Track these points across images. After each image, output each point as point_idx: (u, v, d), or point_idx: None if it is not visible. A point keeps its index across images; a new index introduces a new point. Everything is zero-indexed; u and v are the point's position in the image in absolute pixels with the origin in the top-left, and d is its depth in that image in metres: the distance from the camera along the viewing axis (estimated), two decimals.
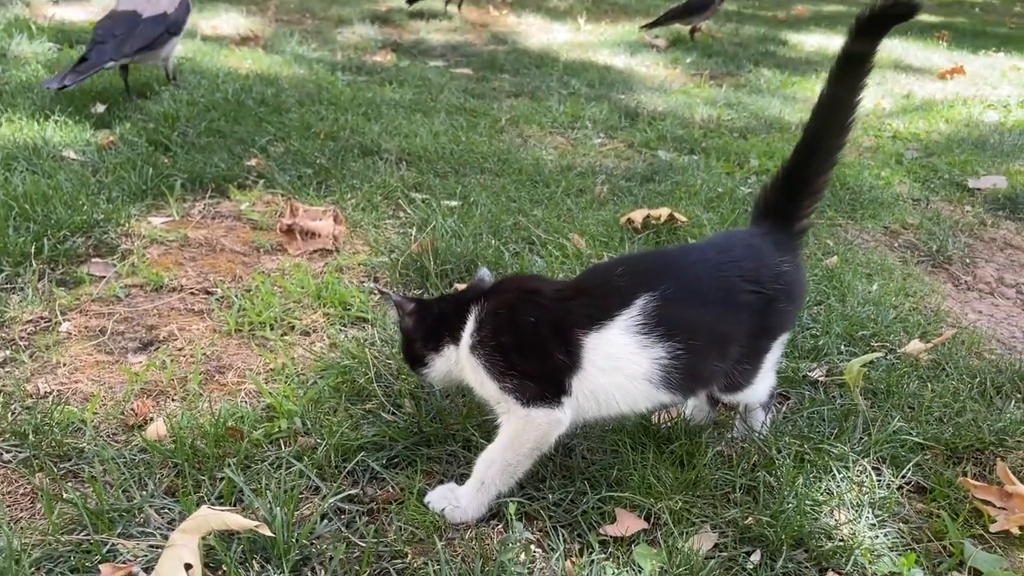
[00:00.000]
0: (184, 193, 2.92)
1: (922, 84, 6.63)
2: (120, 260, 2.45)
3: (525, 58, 6.10)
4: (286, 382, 1.92)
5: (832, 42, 8.02)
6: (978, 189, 3.85)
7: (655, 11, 8.96)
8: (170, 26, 3.76)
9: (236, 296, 2.29)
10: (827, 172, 1.73)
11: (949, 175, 4.00)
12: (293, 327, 2.17)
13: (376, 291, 2.35)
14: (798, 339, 2.22)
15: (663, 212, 2.91)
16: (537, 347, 1.53)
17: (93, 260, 2.44)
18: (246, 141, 3.40)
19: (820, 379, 2.06)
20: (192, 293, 2.32)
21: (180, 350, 2.05)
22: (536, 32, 7.43)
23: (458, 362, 1.62)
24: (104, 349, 2.04)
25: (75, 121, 3.44)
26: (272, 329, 2.16)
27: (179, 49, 4.46)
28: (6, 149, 3.05)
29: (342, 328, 2.19)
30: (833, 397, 1.98)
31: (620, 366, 1.52)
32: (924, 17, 9.82)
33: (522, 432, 1.53)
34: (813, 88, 5.93)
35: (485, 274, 1.77)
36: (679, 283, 1.54)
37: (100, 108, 3.66)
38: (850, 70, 1.67)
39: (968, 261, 3.08)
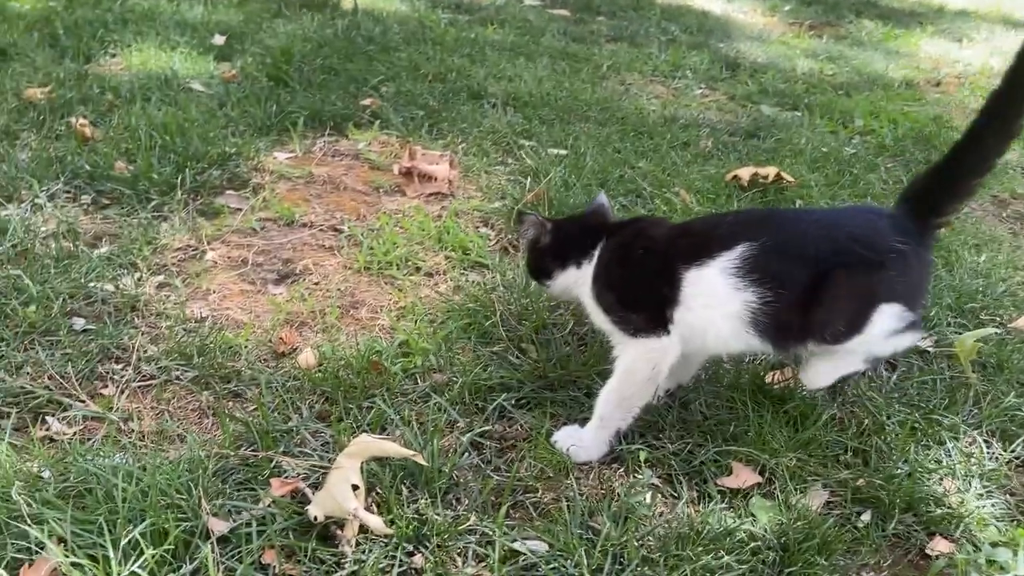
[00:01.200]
0: (305, 130, 3.04)
1: None
2: (253, 194, 2.60)
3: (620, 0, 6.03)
4: (416, 321, 2.05)
5: None
6: None
7: None
8: None
9: (363, 235, 2.42)
10: (982, 174, 1.66)
11: None
12: (418, 268, 2.29)
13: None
14: None
15: (770, 171, 2.94)
16: (645, 281, 1.67)
17: (228, 192, 2.59)
18: (359, 80, 3.50)
19: (929, 349, 2.11)
20: (322, 230, 2.46)
21: (316, 284, 2.20)
22: None
23: (578, 283, 1.77)
24: (247, 279, 2.19)
25: (198, 53, 3.58)
26: (398, 268, 2.28)
27: None
28: (140, 80, 3.21)
29: (463, 272, 2.30)
30: (942, 368, 2.03)
31: (714, 303, 1.62)
32: None
33: (634, 362, 1.66)
34: (917, 43, 5.76)
35: (603, 198, 1.90)
36: (782, 237, 1.63)
37: (219, 39, 3.79)
38: None
39: None
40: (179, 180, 2.50)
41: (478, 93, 3.57)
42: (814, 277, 1.59)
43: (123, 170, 2.53)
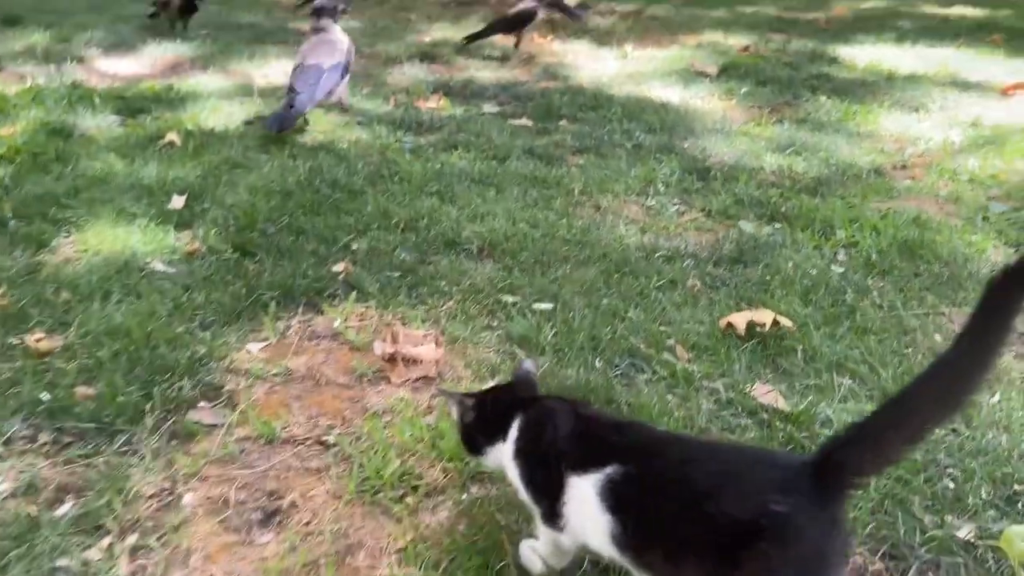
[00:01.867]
0: (278, 310, 2.89)
1: (986, 104, 6.44)
2: (228, 405, 2.42)
3: (580, 98, 6.00)
4: (421, 565, 1.87)
5: (883, 54, 7.82)
6: None
7: (696, 24, 8.82)
8: (343, 70, 4.88)
9: (350, 447, 2.25)
10: (916, 441, 1.45)
11: None
12: (415, 487, 2.13)
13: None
14: (936, 483, 2.13)
15: (766, 317, 2.83)
16: (547, 472, 1.67)
17: (201, 405, 2.41)
18: (328, 239, 3.36)
19: (970, 540, 1.98)
20: (306, 445, 2.28)
21: (306, 524, 2.02)
22: (584, 61, 7.32)
23: (502, 458, 1.80)
24: (230, 526, 2.01)
25: (157, 223, 3.42)
26: (393, 488, 2.11)
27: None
28: (97, 269, 3.03)
29: (465, 486, 2.14)
30: (991, 570, 1.90)
31: (587, 517, 1.58)
32: (967, 10, 9.56)
33: (543, 544, 1.77)
34: (876, 120, 5.79)
35: (529, 366, 1.95)
36: (648, 467, 1.53)
37: (178, 202, 3.64)
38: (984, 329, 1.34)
39: None
40: (148, 403, 2.32)
41: (453, 240, 3.44)
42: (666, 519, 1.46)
43: (85, 397, 2.34)
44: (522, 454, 1.74)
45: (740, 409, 2.43)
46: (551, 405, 1.79)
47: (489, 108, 5.84)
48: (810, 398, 2.45)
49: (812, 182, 4.49)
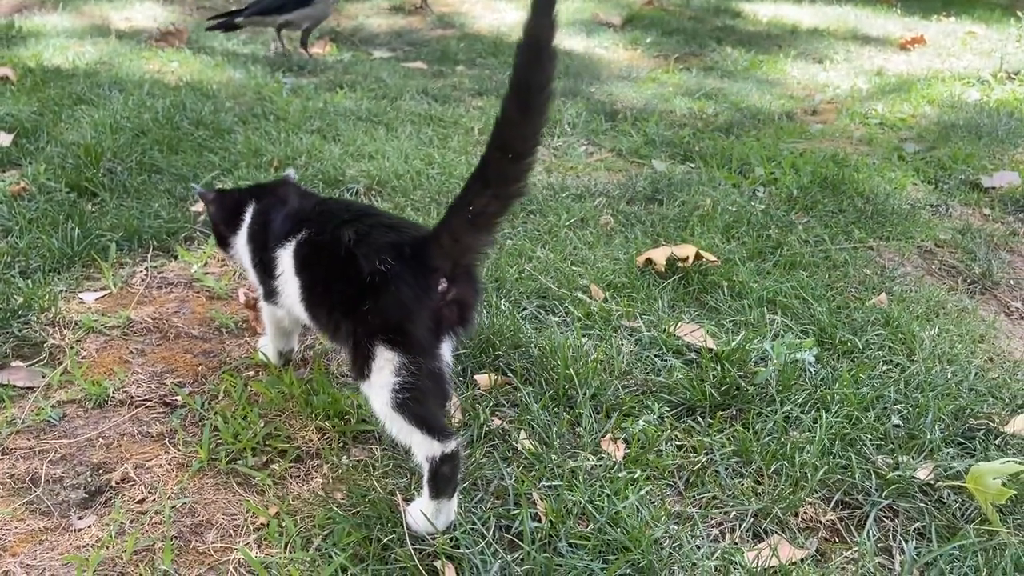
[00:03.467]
0: (121, 256, 2.42)
1: (887, 57, 6.40)
2: (48, 363, 1.96)
3: (478, 45, 5.63)
4: (287, 544, 1.49)
5: (783, 11, 7.74)
6: (993, 188, 3.57)
7: None
8: None
9: (202, 408, 1.84)
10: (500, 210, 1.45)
11: (958, 171, 3.72)
12: (283, 452, 1.73)
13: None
14: (885, 422, 1.87)
15: (688, 250, 2.53)
16: (264, 250, 1.76)
17: (13, 365, 1.94)
18: (187, 178, 2.89)
19: (929, 481, 1.72)
20: (147, 406, 1.85)
21: (140, 502, 1.59)
22: (482, 12, 6.94)
23: (239, 249, 1.88)
24: (39, 508, 1.57)
25: None
26: (255, 455, 1.71)
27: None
28: None
29: (344, 446, 1.76)
30: (955, 514, 1.64)
31: (287, 283, 1.70)
32: None
33: (267, 327, 1.93)
34: (783, 69, 5.63)
35: (291, 175, 1.99)
36: (319, 230, 1.64)
37: (4, 140, 3.09)
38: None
39: (1013, 283, 2.79)
40: None
41: (335, 179, 3.02)
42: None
43: None
44: (250, 237, 1.83)
45: (664, 349, 2.12)
46: (275, 191, 1.87)
47: (380, 54, 5.40)
48: (741, 334, 2.16)
49: (724, 124, 4.24)
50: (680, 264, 2.51)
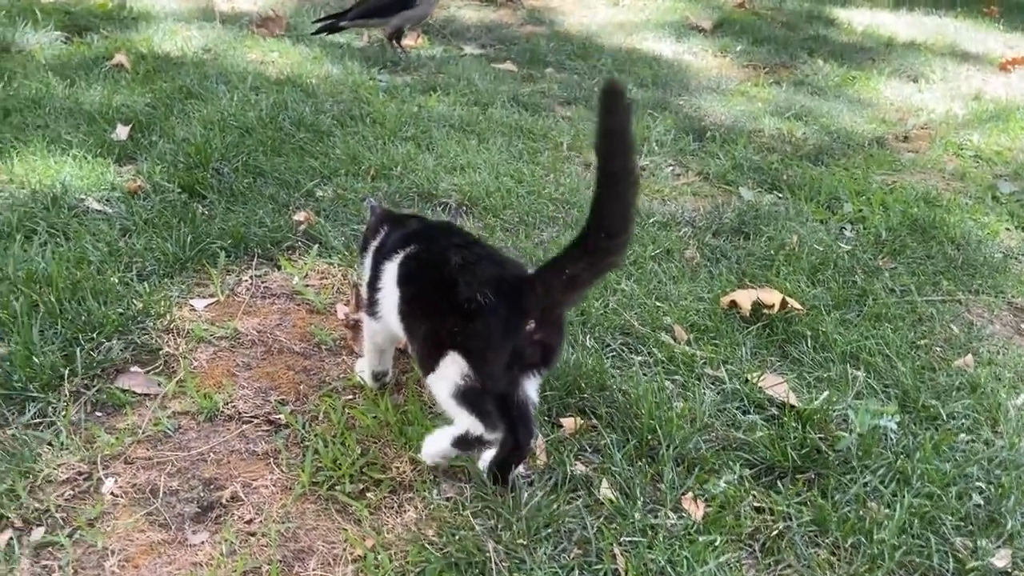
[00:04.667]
0: (229, 262, 2.55)
1: (985, 78, 6.21)
2: (163, 370, 2.09)
3: (567, 46, 5.65)
4: None
5: (880, 19, 7.55)
6: None
7: None
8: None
9: (304, 428, 1.95)
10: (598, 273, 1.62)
11: None
12: (378, 483, 1.83)
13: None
14: (966, 501, 1.89)
15: (775, 297, 2.56)
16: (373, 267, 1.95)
17: (132, 370, 2.08)
18: (289, 183, 3.01)
19: (1007, 569, 1.74)
20: (253, 424, 1.97)
21: (248, 522, 1.71)
22: (572, 7, 6.93)
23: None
24: (158, 520, 1.70)
25: (95, 155, 3.03)
26: (352, 482, 1.82)
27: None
28: (22, 203, 2.66)
29: (436, 482, 1.85)
30: None
31: (387, 295, 1.85)
32: None
33: (366, 346, 2.06)
34: (876, 87, 5.52)
35: (373, 203, 2.18)
36: (427, 248, 1.83)
37: (122, 132, 3.25)
38: None
39: None
40: (67, 366, 1.99)
41: (429, 192, 3.11)
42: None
43: None
44: (373, 253, 1.98)
45: (747, 402, 2.16)
46: (398, 218, 2.07)
47: (471, 50, 5.46)
48: (824, 394, 2.18)
49: (813, 149, 4.20)
50: (765, 310, 2.54)
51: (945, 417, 2.18)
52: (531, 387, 1.70)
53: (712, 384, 2.24)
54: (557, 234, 2.96)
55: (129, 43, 4.24)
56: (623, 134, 1.45)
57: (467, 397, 1.65)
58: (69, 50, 4.12)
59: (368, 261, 2.01)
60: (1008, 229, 3.55)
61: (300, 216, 2.80)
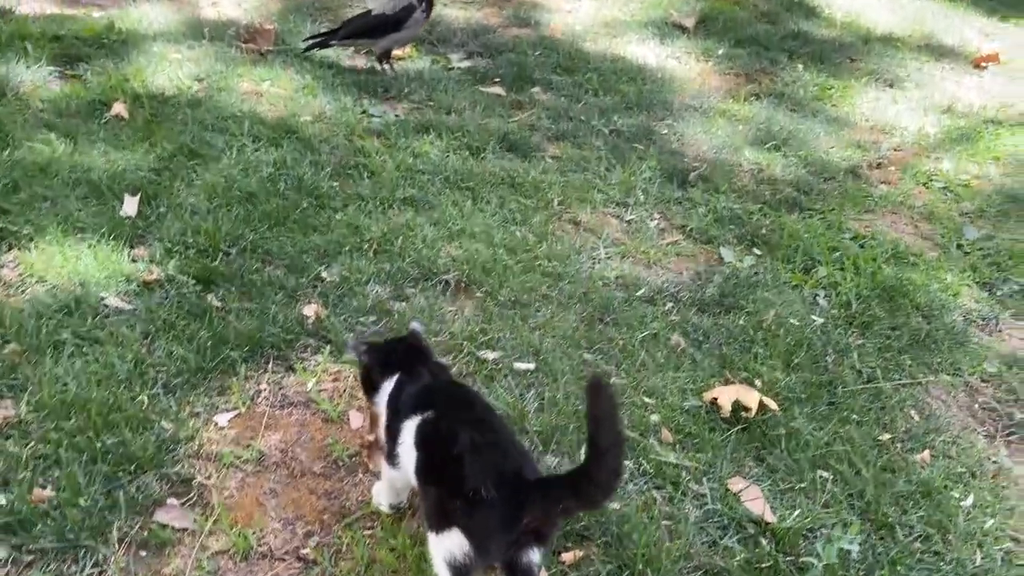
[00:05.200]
0: (247, 369, 2.72)
1: (959, 79, 6.39)
2: (198, 501, 2.29)
3: (553, 56, 5.71)
4: None
5: (859, 4, 7.59)
6: None
7: None
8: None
9: (330, 563, 2.17)
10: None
11: (1015, 274, 3.89)
12: None
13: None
14: None
15: (751, 400, 2.78)
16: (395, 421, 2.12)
17: (169, 503, 2.28)
18: (297, 267, 3.16)
19: None
20: (285, 561, 2.19)
21: None
22: (556, 2, 6.93)
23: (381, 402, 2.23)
24: None
25: (106, 239, 3.14)
26: None
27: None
28: (45, 305, 2.79)
29: None
30: None
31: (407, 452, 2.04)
32: None
33: (384, 481, 2.28)
34: (853, 102, 5.66)
35: (417, 327, 2.38)
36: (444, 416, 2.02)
37: (130, 206, 3.35)
38: None
39: None
40: (112, 510, 2.18)
41: (429, 270, 3.27)
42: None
43: (41, 499, 2.18)
44: (389, 402, 2.16)
45: (727, 521, 2.41)
46: (416, 370, 2.20)
47: (458, 61, 5.52)
48: (796, 511, 2.44)
49: (791, 189, 4.39)
50: (743, 413, 2.77)
51: (902, 527, 2.45)
52: (534, 554, 1.93)
53: (695, 499, 2.48)
54: (552, 315, 3.15)
55: (123, 80, 4.28)
56: (610, 418, 1.73)
57: (460, 571, 1.87)
58: (64, 92, 4.15)
59: (383, 408, 2.21)
60: (969, 286, 3.79)
61: (309, 310, 2.97)
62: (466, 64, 5.51)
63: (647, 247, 3.71)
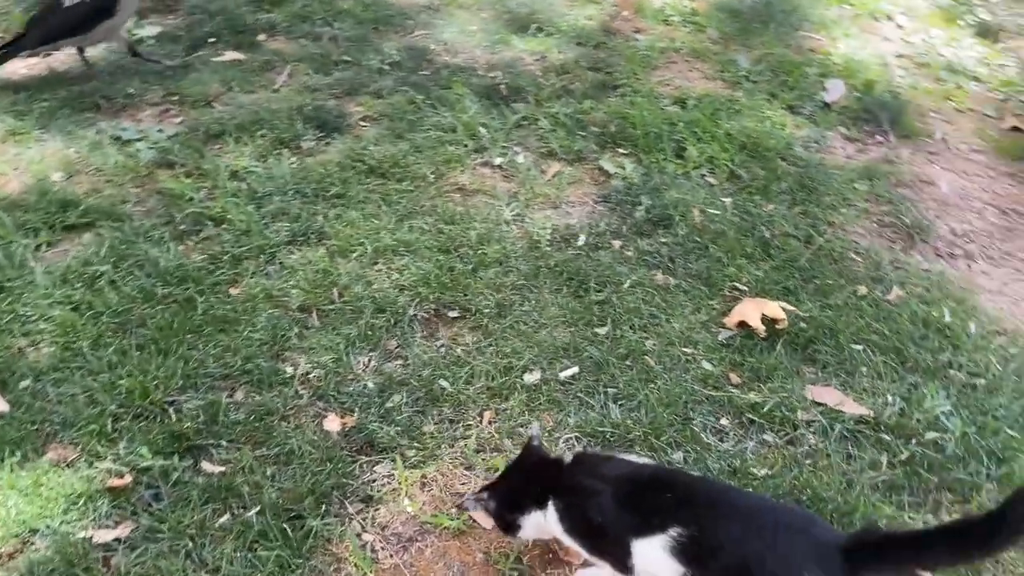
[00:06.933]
0: (321, 524, 2.23)
1: None
2: None
3: None
4: None
5: None
6: (834, 103, 4.26)
7: None
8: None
9: None
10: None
11: (798, 88, 4.33)
12: None
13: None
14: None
15: (773, 310, 2.84)
16: (608, 541, 1.91)
17: None
18: (265, 378, 2.55)
19: None
20: None
21: None
22: None
23: (546, 524, 1.98)
24: None
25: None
26: None
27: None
28: None
29: None
30: None
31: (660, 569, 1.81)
32: None
33: None
34: None
35: (536, 431, 2.11)
36: (709, 529, 1.78)
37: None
38: None
39: (927, 223, 3.54)
40: None
41: (394, 314, 2.83)
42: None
43: None
44: (576, 533, 1.94)
45: (845, 433, 2.54)
46: (587, 487, 1.92)
47: (148, 32, 4.53)
48: (879, 398, 2.65)
49: (588, 71, 4.37)
50: (777, 324, 2.86)
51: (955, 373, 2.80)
52: None
53: (806, 427, 2.58)
54: (541, 305, 2.93)
55: None
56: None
57: None
58: None
59: (558, 534, 1.99)
60: (785, 113, 4.16)
61: (330, 424, 2.46)
62: (157, 31, 4.53)
63: (539, 188, 3.53)
